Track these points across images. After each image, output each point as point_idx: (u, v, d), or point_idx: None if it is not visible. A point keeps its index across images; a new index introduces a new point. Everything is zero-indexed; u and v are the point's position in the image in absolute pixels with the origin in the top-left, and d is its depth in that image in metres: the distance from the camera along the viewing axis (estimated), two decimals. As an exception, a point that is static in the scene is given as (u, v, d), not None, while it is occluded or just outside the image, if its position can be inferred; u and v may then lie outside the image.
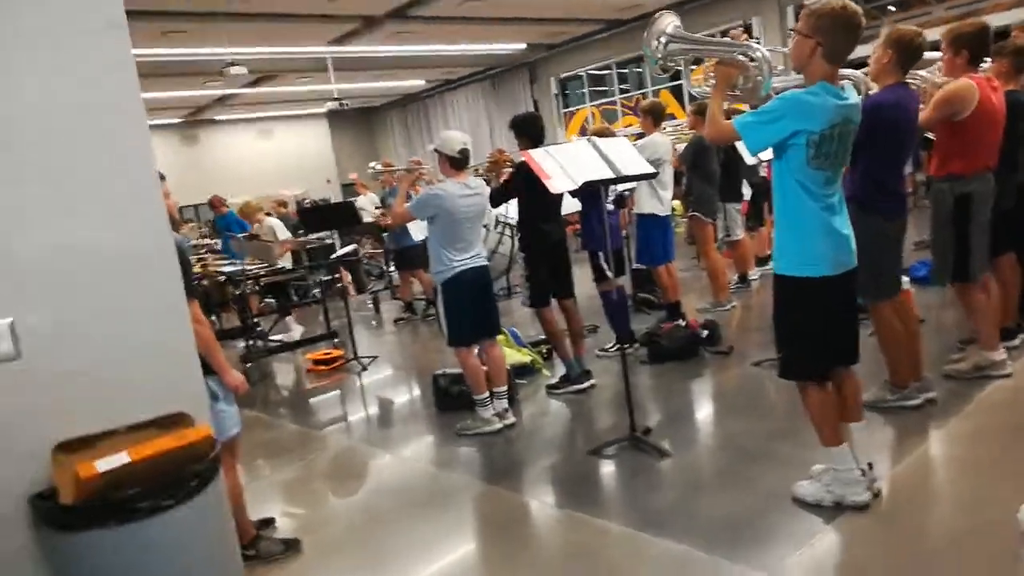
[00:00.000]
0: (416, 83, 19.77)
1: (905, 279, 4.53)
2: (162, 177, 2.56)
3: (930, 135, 4.13)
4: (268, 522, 3.38)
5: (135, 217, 2.32)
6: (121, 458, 2.09)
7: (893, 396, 3.61)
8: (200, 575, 2.22)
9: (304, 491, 3.89)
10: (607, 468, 3.55)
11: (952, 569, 2.36)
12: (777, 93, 2.88)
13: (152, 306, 2.36)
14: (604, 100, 17.91)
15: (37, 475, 2.11)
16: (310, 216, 8.38)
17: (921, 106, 3.62)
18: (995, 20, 8.05)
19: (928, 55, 3.71)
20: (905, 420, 3.50)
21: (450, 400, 4.71)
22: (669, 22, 2.92)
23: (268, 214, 10.24)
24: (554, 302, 4.76)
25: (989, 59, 3.92)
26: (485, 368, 4.32)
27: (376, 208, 9.98)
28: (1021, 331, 4.22)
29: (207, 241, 9.69)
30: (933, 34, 3.78)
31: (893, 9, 13.03)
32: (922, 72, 3.82)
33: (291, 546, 3.12)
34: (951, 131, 3.66)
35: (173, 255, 2.44)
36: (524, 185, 4.43)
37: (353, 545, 3.17)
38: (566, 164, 3.74)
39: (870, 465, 2.82)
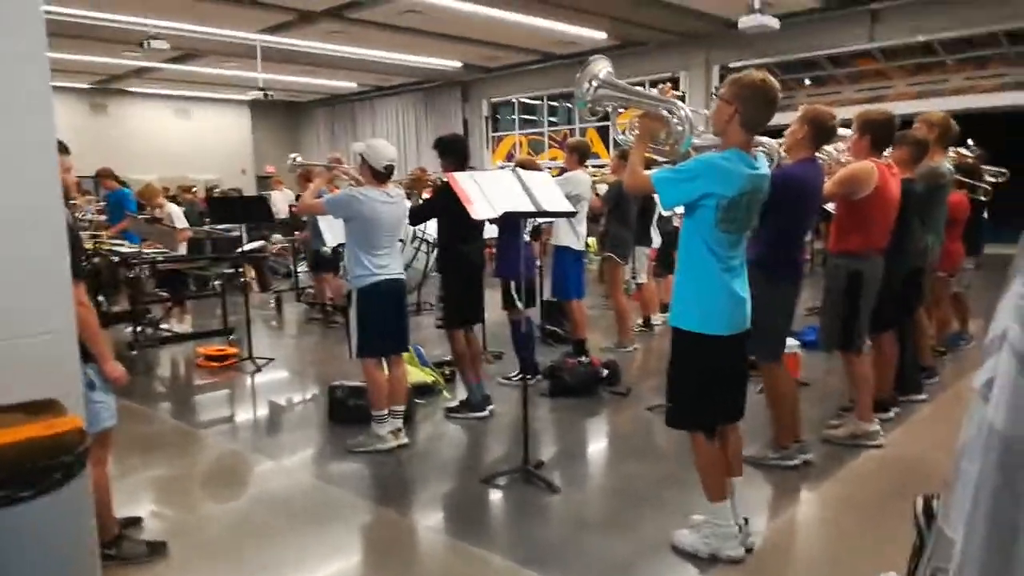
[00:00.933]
0: (347, 84, 19.49)
1: (794, 342, 4.78)
2: (65, 149, 2.41)
3: (830, 208, 4.39)
4: (134, 521, 3.20)
5: (24, 182, 2.17)
6: (-24, 443, 1.93)
7: (775, 455, 3.77)
8: (50, 572, 2.06)
9: (178, 492, 3.69)
10: (497, 498, 3.55)
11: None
12: (696, 151, 3.01)
13: (32, 283, 2.21)
14: (533, 130, 18.18)
15: None
16: (220, 206, 8.05)
17: (826, 179, 3.84)
18: (902, 108, 8.66)
19: (840, 131, 3.97)
20: (783, 479, 3.65)
21: (345, 412, 4.60)
22: (602, 68, 3.00)
23: (172, 198, 9.76)
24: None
25: (890, 148, 4.21)
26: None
27: (291, 205, 9.72)
28: (895, 405, 4.51)
29: (103, 217, 9.12)
30: (844, 112, 4.04)
31: (808, 83, 13.89)
32: (828, 147, 4.06)
33: (156, 549, 2.95)
34: (849, 209, 3.91)
35: (61, 230, 2.29)
36: (447, 205, 4.41)
37: (224, 553, 3.02)
38: (489, 192, 3.76)
39: (746, 520, 2.93)
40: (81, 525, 2.22)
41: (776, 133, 3.77)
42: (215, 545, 3.11)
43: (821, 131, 3.66)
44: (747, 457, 3.70)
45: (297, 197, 10.00)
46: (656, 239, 7.17)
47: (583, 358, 5.46)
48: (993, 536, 1.58)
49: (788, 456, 3.74)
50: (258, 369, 5.98)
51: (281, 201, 11.62)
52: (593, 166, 8.05)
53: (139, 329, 6.49)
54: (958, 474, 1.83)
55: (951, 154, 5.29)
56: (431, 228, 6.78)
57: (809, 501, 3.48)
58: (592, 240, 9.15)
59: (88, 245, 6.37)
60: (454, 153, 4.63)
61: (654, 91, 3.04)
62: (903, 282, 4.33)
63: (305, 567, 2.89)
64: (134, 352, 6.19)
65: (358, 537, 3.24)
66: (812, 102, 9.61)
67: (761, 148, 3.46)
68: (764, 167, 2.81)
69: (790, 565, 2.95)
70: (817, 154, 3.82)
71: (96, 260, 6.03)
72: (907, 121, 4.54)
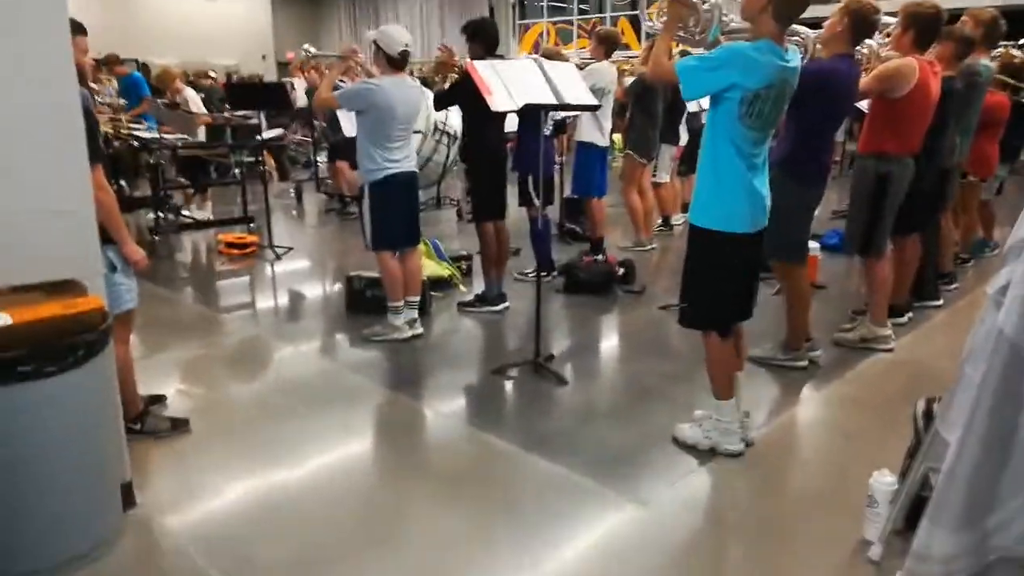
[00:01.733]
0: (370, -32, 18.70)
1: (815, 245, 4.73)
2: (80, 29, 2.37)
3: (863, 107, 4.23)
4: (159, 399, 3.34)
5: (40, 62, 2.15)
6: (2, 319, 2.00)
7: (784, 355, 3.80)
8: (79, 444, 2.19)
9: (200, 373, 3.83)
10: (507, 388, 3.64)
11: (802, 520, 2.56)
12: (726, 39, 2.89)
13: (50, 165, 2.23)
14: (561, 18, 17.49)
15: (-93, 325, 1.99)
16: (239, 92, 7.94)
17: (863, 73, 3.68)
18: (949, 2, 8.18)
19: (884, 20, 3.76)
20: (789, 379, 3.70)
21: (362, 302, 4.68)
22: None
23: (191, 83, 9.61)
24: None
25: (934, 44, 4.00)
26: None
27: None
28: (909, 310, 4.49)
29: (122, 100, 9.04)
30: (890, 6, 3.82)
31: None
32: (869, 40, 3.87)
33: (178, 425, 3.09)
34: (884, 108, 3.76)
35: (77, 113, 2.28)
36: (471, 94, 4.30)
37: (243, 431, 3.16)
38: (509, 82, 3.65)
39: (747, 414, 3.00)
40: (106, 399, 2.33)
41: (815, 26, 3.59)
42: (235, 423, 3.25)
43: (862, 25, 3.46)
44: (756, 357, 3.77)
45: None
46: (684, 136, 6.97)
47: (599, 256, 5.47)
48: (992, 434, 1.61)
49: (797, 357, 3.77)
50: (277, 257, 6.06)
51: (301, 88, 11.42)
52: (623, 57, 7.77)
53: (160, 215, 6.56)
54: (960, 378, 1.84)
55: (997, 52, 5.03)
56: (453, 120, 6.67)
57: (813, 400, 3.54)
58: (618, 136, 8.95)
59: (107, 128, 6.35)
60: (483, 38, 4.45)
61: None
62: (932, 185, 4.22)
63: (321, 446, 3.03)
64: (156, 237, 6.29)
65: (372, 420, 3.37)
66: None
67: (795, 37, 3.30)
68: (795, 60, 2.69)
69: (787, 460, 3.03)
70: (857, 48, 3.64)
71: (116, 144, 6.03)
72: (954, 16, 4.29)
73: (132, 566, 2.27)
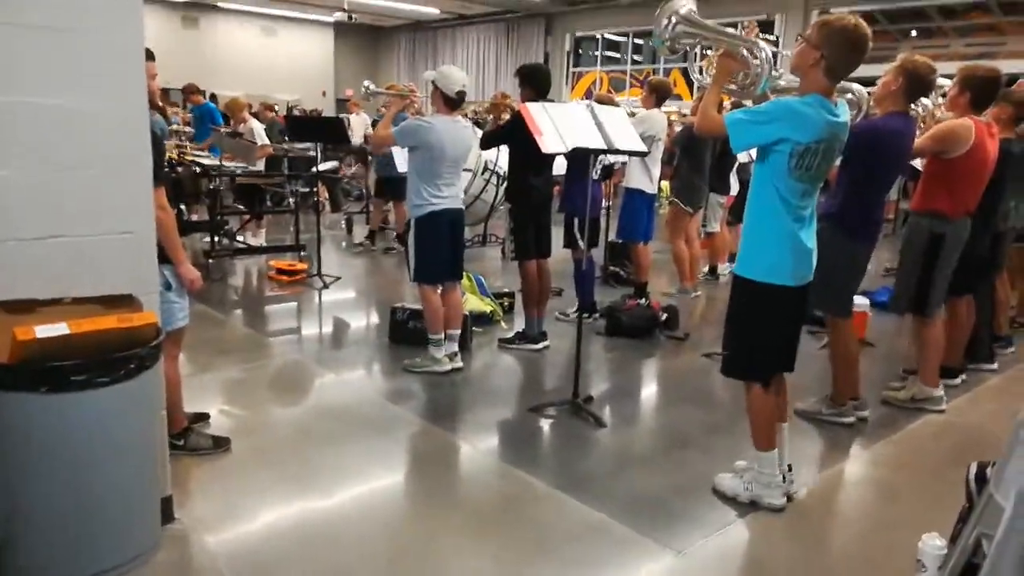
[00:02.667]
0: (430, 10, 19.29)
1: (864, 301, 4.64)
2: (150, 56, 2.49)
3: (918, 165, 4.18)
4: (202, 416, 3.40)
5: (113, 88, 2.26)
6: (61, 328, 2.08)
7: (829, 411, 3.71)
8: (124, 455, 2.24)
9: (244, 394, 3.90)
10: (544, 427, 3.62)
11: (845, 580, 2.48)
12: (775, 94, 2.89)
13: (117, 182, 2.32)
14: (615, 67, 17.70)
15: (-26, 329, 2.08)
16: (298, 125, 8.21)
17: (917, 132, 3.64)
18: (1008, 66, 8.07)
19: (939, 82, 3.73)
20: (835, 435, 3.61)
21: (405, 333, 4.73)
22: (684, 4, 2.88)
23: (254, 115, 9.97)
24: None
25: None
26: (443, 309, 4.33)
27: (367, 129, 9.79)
28: (963, 372, 4.35)
29: (188, 128, 9.41)
30: (948, 67, 3.79)
31: (914, 34, 13.02)
32: (925, 100, 3.83)
33: (220, 444, 3.14)
34: (940, 168, 3.70)
35: (147, 134, 2.38)
36: (519, 135, 4.38)
37: (282, 454, 3.19)
38: (560, 125, 3.70)
39: (790, 467, 2.92)
40: (153, 413, 2.39)
41: (867, 84, 3.58)
42: (274, 445, 3.29)
43: (918, 84, 3.45)
44: (801, 411, 3.69)
45: (374, 123, 10.05)
46: (735, 186, 6.95)
47: (643, 301, 5.44)
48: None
49: (843, 413, 3.67)
50: (325, 286, 6.18)
51: (358, 125, 11.74)
52: (675, 108, 7.84)
53: (216, 239, 6.75)
54: (1016, 442, 1.78)
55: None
56: (502, 160, 6.78)
57: (859, 459, 3.43)
58: (665, 184, 8.97)
59: (172, 154, 6.61)
60: (535, 83, 4.55)
61: (734, 31, 2.92)
62: (988, 248, 4.12)
63: (356, 474, 3.04)
64: (210, 260, 6.46)
65: (407, 450, 3.37)
66: (914, 53, 9.03)
67: (848, 95, 3.30)
68: (845, 115, 2.69)
69: (830, 518, 2.93)
70: (912, 106, 3.62)
71: (179, 169, 6.25)
72: (1012, 80, 4.24)
73: (166, 580, 2.29)
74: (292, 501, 2.79)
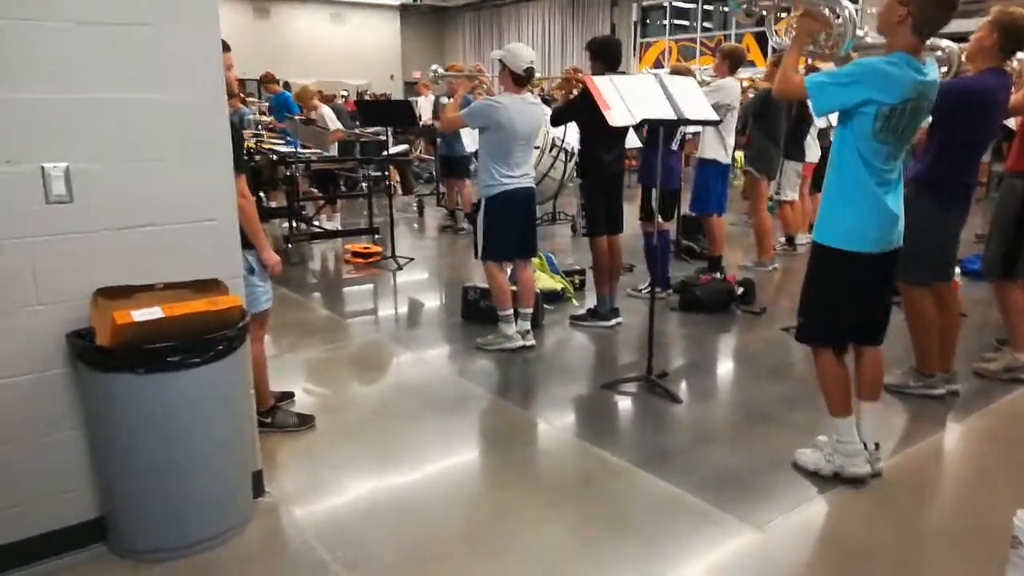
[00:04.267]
0: (494, -11, 19.20)
1: (955, 270, 4.42)
2: (226, 47, 2.57)
3: (1012, 126, 3.94)
4: (288, 395, 3.53)
5: (194, 81, 2.35)
6: (156, 312, 2.19)
7: (916, 383, 3.57)
8: (216, 431, 2.35)
9: (326, 374, 4.03)
10: (618, 403, 3.61)
11: (935, 560, 2.39)
12: (858, 54, 2.77)
13: (200, 172, 2.42)
14: (684, 35, 17.26)
15: (77, 315, 2.23)
16: (368, 109, 8.34)
17: (1013, 89, 3.43)
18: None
19: None
20: (924, 408, 3.47)
21: (477, 312, 4.79)
22: None
23: (325, 101, 10.18)
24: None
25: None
26: (514, 288, 4.36)
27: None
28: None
29: (266, 118, 9.69)
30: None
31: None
32: (1021, 54, 3.60)
33: (306, 421, 3.27)
34: (1037, 125, 3.49)
35: (226, 124, 2.47)
36: (589, 110, 4.34)
37: (365, 431, 3.30)
38: (628, 97, 3.65)
39: (876, 445, 2.83)
40: (242, 391, 2.50)
41: (958, 40, 3.38)
42: (356, 422, 3.39)
43: (1012, 37, 3.24)
44: (888, 384, 3.56)
45: (435, 103, 10.10)
46: (814, 153, 6.70)
47: (717, 274, 5.33)
48: None
49: (932, 385, 3.53)
50: (400, 267, 6.30)
51: (426, 106, 11.85)
52: (749, 75, 7.60)
53: (294, 224, 6.96)
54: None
55: None
56: (570, 137, 6.72)
57: (952, 432, 3.30)
58: (740, 154, 8.73)
59: (250, 144, 6.83)
60: (606, 56, 4.49)
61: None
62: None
63: (435, 449, 3.11)
64: (289, 245, 6.67)
65: (483, 427, 3.42)
66: (1008, 6, 8.47)
67: (939, 52, 3.13)
68: (934, 73, 2.55)
69: (918, 494, 2.83)
70: (1007, 62, 3.40)
71: (257, 158, 6.47)
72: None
73: (259, 552, 2.41)
74: (375, 475, 2.88)
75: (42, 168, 2.13)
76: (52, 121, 2.13)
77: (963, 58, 3.38)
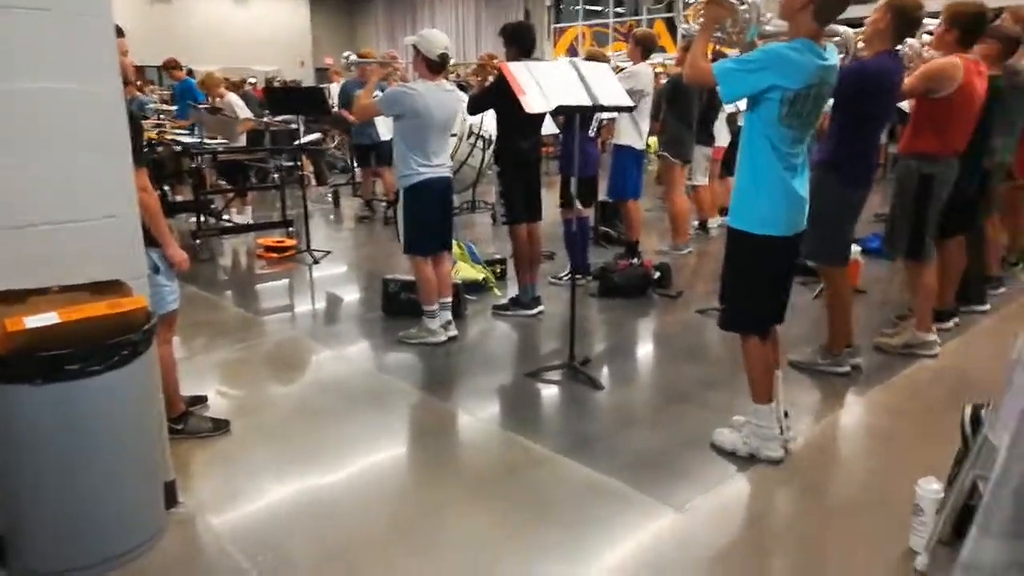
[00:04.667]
0: (406, -27, 18.89)
1: (856, 248, 4.64)
2: (120, 32, 2.42)
3: (905, 107, 4.14)
4: (200, 399, 3.39)
5: (84, 68, 2.20)
6: (51, 317, 2.06)
7: (825, 361, 3.73)
8: (124, 442, 2.23)
9: (240, 375, 3.89)
10: (542, 392, 3.63)
11: (845, 529, 2.50)
12: (763, 40, 2.85)
13: (97, 165, 2.28)
14: (597, 21, 17.44)
15: (-39, 323, 2.06)
16: (278, 97, 8.07)
17: (905, 74, 3.61)
18: (993, 1, 7.97)
19: (925, 22, 3.68)
20: (830, 384, 3.64)
21: (398, 305, 4.72)
22: None
23: (232, 88, 9.81)
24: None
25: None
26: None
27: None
28: (955, 315, 4.37)
29: (167, 107, 9.25)
30: (934, 4, 3.74)
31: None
32: (911, 40, 3.79)
33: (220, 426, 3.14)
34: (927, 108, 3.68)
35: (122, 114, 2.33)
36: (505, 96, 4.32)
37: (283, 433, 3.20)
38: (544, 83, 3.64)
39: (787, 414, 2.94)
40: (150, 398, 2.38)
41: (855, 25, 3.52)
42: (274, 424, 3.29)
43: (905, 21, 3.40)
44: (797, 362, 3.72)
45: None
46: (725, 137, 6.90)
47: (635, 260, 5.43)
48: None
49: (839, 362, 3.70)
50: (316, 261, 6.14)
51: (336, 94, 11.56)
52: (661, 60, 7.74)
53: (201, 219, 6.68)
54: (1010, 383, 1.79)
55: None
56: (488, 124, 6.69)
57: (855, 406, 3.47)
58: (653, 140, 8.90)
59: (151, 135, 6.50)
60: (520, 41, 4.46)
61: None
62: (977, 187, 4.12)
63: (357, 447, 3.05)
64: (197, 241, 6.40)
65: (407, 421, 3.38)
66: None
67: (835, 39, 3.25)
68: (834, 58, 2.65)
69: (828, 468, 2.97)
70: (898, 47, 3.57)
71: (159, 149, 6.16)
72: (997, 14, 4.18)
73: (175, 564, 2.30)
74: (296, 478, 2.80)
75: (-86, 165, 1.96)
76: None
77: (859, 42, 3.54)
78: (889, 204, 4.01)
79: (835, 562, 2.35)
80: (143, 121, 6.76)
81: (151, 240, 2.68)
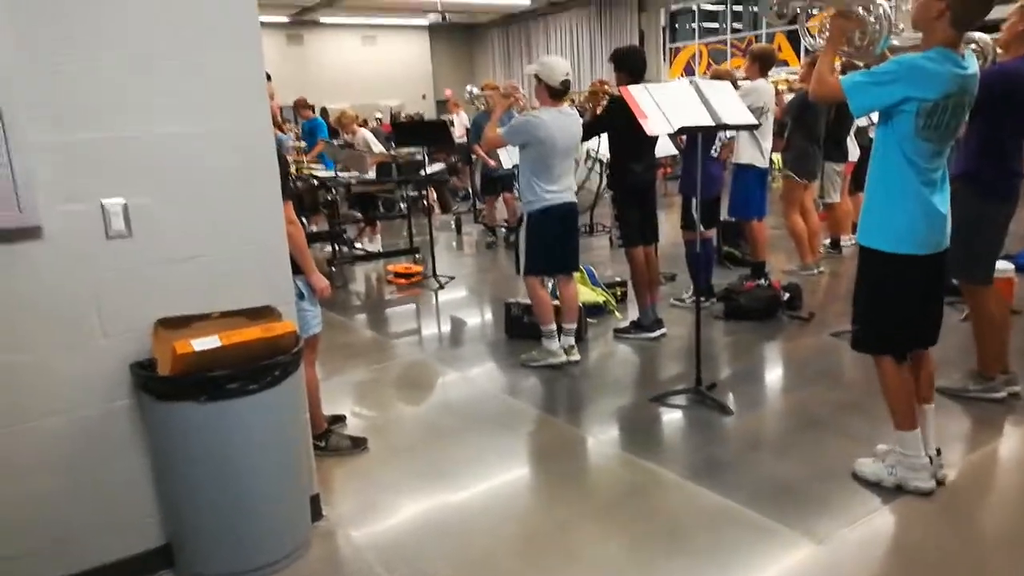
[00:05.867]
0: (520, 2, 19.32)
1: (1009, 266, 4.30)
2: (268, 77, 2.63)
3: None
4: (339, 418, 3.58)
5: (240, 112, 2.41)
6: (214, 340, 2.24)
7: (977, 386, 3.48)
8: (275, 456, 2.39)
9: (374, 395, 4.08)
10: (667, 416, 3.58)
11: (1004, 567, 2.32)
12: (893, 53, 2.73)
13: (251, 202, 2.48)
14: (714, 39, 17.15)
15: (139, 346, 2.29)
16: (404, 130, 8.45)
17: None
18: None
19: None
20: (984, 412, 3.38)
21: (520, 328, 4.80)
22: None
23: (363, 124, 10.35)
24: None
25: None
26: (557, 303, 4.36)
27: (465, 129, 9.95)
28: None
29: (303, 144, 9.88)
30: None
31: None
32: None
33: (358, 444, 3.30)
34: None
35: (273, 152, 2.53)
36: (617, 121, 4.35)
37: (415, 451, 3.32)
38: (664, 105, 3.64)
39: (938, 451, 2.77)
40: (298, 416, 2.55)
41: (992, 29, 3.31)
42: (407, 443, 3.42)
43: None
44: (946, 388, 3.48)
45: (473, 122, 10.15)
46: (854, 152, 6.60)
47: (761, 281, 5.27)
48: None
49: (992, 388, 3.43)
50: (441, 286, 6.35)
51: (458, 125, 11.95)
52: (785, 74, 7.52)
53: (336, 247, 7.07)
54: None
55: None
56: (605, 148, 6.72)
57: (1014, 436, 3.20)
58: (777, 157, 8.63)
59: (291, 170, 6.97)
60: (630, 66, 4.50)
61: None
62: None
63: (485, 467, 3.12)
64: (332, 268, 6.77)
65: (531, 443, 3.42)
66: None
67: (972, 45, 3.07)
68: (974, 66, 2.50)
69: (985, 502, 2.75)
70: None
71: (298, 184, 6.59)
72: None
73: (320, 573, 2.44)
74: (428, 494, 2.90)
75: (101, 205, 2.21)
76: (108, 158, 2.20)
77: (997, 48, 3.32)
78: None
79: (997, 605, 2.18)
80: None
81: (296, 268, 2.87)
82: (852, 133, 6.54)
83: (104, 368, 2.26)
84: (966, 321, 3.83)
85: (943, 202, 2.58)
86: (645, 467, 3.06)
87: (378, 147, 8.41)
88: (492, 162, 7.42)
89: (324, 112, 11.94)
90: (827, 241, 6.80)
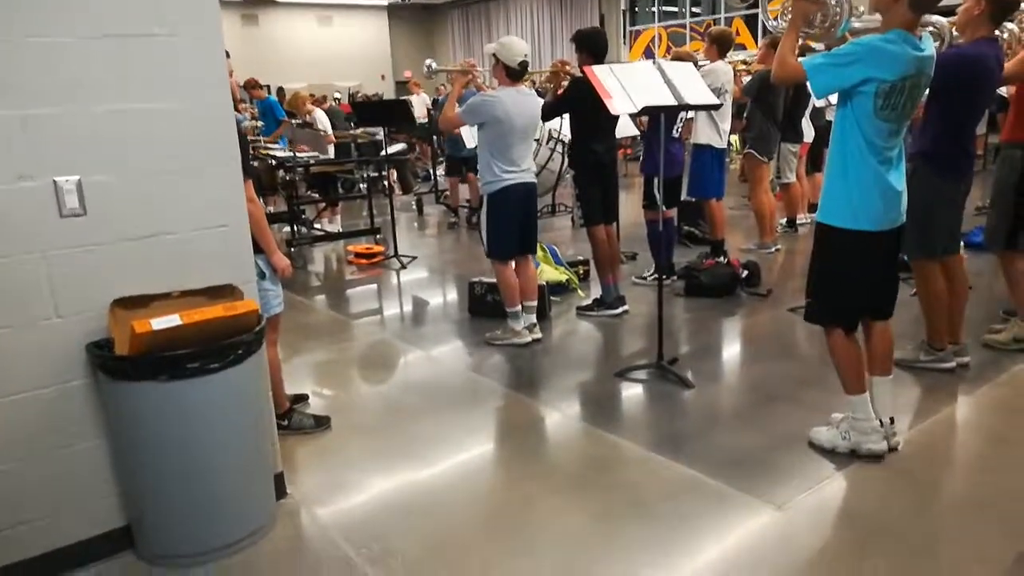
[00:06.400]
0: (481, -17, 19.15)
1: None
2: (226, 54, 2.57)
3: (1006, 95, 3.95)
4: (301, 398, 3.55)
5: (201, 89, 2.36)
6: (174, 320, 2.20)
7: (927, 357, 3.60)
8: (237, 436, 2.37)
9: (336, 375, 4.05)
10: (630, 391, 3.63)
11: (953, 531, 2.41)
12: (853, 35, 2.78)
13: (212, 180, 2.43)
14: (673, 22, 17.23)
15: (95, 326, 2.24)
16: (364, 110, 8.34)
17: (1005, 59, 3.45)
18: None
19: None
20: (935, 382, 3.50)
21: (483, 307, 4.81)
22: None
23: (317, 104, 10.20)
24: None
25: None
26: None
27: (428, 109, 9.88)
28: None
29: (258, 123, 9.70)
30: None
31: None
32: (1010, 24, 3.61)
33: (321, 422, 3.28)
34: (1032, 94, 3.50)
35: (234, 132, 2.48)
36: (578, 102, 4.36)
37: (379, 429, 3.32)
38: (628, 85, 3.66)
39: (892, 420, 2.86)
40: (261, 395, 2.52)
41: (949, 13, 3.40)
42: (371, 422, 3.41)
43: (1000, 7, 3.25)
44: (900, 360, 3.59)
45: (434, 103, 10.08)
46: (808, 134, 6.73)
47: (721, 259, 5.35)
48: None
49: (942, 359, 3.56)
50: (403, 266, 6.32)
51: (419, 105, 11.85)
52: (743, 57, 7.62)
53: (295, 228, 6.97)
54: None
55: None
56: (567, 128, 6.73)
57: (964, 405, 3.32)
58: (735, 138, 8.76)
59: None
60: (591, 47, 4.50)
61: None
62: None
63: (450, 444, 3.13)
64: (291, 249, 6.68)
65: (498, 420, 3.44)
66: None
67: (929, 28, 3.14)
68: (930, 48, 2.57)
69: (935, 467, 2.85)
70: (996, 32, 3.42)
71: (255, 164, 6.47)
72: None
73: (286, 552, 2.43)
74: (393, 472, 2.90)
75: (54, 182, 2.14)
76: (64, 135, 2.14)
77: (954, 30, 3.40)
78: (989, 195, 3.83)
79: (942, 566, 2.26)
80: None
81: (256, 247, 2.83)
82: (807, 114, 6.66)
83: (58, 348, 2.20)
84: (916, 296, 3.94)
85: (899, 180, 2.65)
86: (609, 440, 3.11)
87: (328, 128, 8.31)
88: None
89: (281, 92, 11.71)
90: (783, 220, 6.93)
